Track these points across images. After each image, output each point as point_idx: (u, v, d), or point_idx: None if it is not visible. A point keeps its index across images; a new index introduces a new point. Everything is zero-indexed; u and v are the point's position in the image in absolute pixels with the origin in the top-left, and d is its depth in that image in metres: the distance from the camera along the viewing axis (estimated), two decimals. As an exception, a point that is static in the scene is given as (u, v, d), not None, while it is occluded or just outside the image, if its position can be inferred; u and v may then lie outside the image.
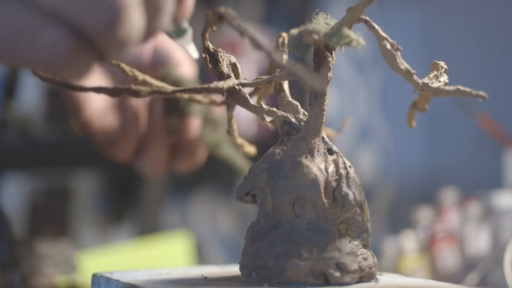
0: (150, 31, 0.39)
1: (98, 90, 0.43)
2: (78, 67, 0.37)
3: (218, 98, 0.60)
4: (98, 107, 0.70)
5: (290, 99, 0.51)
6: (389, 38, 0.46)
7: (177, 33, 0.51)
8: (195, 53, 0.53)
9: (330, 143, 0.47)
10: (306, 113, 0.49)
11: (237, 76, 0.49)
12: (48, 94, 1.70)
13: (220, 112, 0.74)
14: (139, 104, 0.71)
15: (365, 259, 0.46)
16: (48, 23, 0.35)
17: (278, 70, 0.51)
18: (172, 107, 0.70)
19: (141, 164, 0.71)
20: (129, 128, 0.69)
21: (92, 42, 0.36)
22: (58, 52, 0.35)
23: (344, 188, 0.45)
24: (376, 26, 0.46)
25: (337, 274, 0.44)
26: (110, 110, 0.71)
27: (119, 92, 0.43)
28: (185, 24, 0.51)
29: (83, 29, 0.35)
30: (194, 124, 0.70)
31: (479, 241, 1.10)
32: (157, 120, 0.69)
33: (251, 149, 0.62)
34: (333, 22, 0.45)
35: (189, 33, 0.52)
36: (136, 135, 0.69)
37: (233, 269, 0.52)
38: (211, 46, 0.49)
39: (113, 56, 0.37)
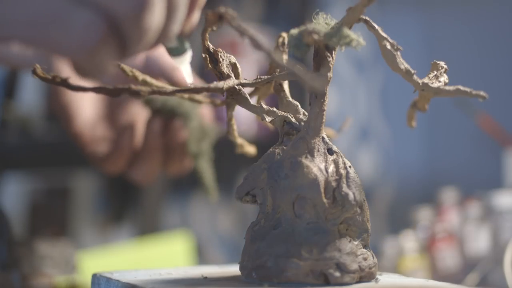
0: (165, 31, 0.40)
1: (98, 90, 0.43)
2: (106, 55, 0.37)
3: (218, 98, 0.60)
4: (89, 119, 0.70)
5: (290, 99, 0.51)
6: (389, 38, 0.46)
7: (177, 51, 0.51)
8: (190, 77, 0.53)
9: (330, 143, 0.47)
10: (306, 113, 0.49)
11: (237, 76, 0.49)
12: (48, 94, 1.70)
13: (211, 122, 0.73)
14: (133, 118, 0.71)
15: (365, 259, 0.46)
16: (80, 8, 0.35)
17: (278, 70, 0.51)
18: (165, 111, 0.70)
19: (133, 174, 0.71)
20: (123, 143, 0.69)
21: (119, 28, 0.36)
22: (90, 36, 0.36)
23: (344, 188, 0.45)
24: (376, 26, 0.46)
25: (337, 274, 0.44)
26: (102, 122, 0.71)
27: (119, 92, 0.42)
28: (187, 44, 0.51)
29: (112, 14, 0.36)
30: (184, 129, 0.70)
31: (479, 241, 1.10)
32: (154, 136, 0.69)
33: (251, 149, 0.62)
34: (333, 22, 0.45)
35: (188, 55, 0.52)
36: (129, 150, 0.69)
37: (233, 269, 0.52)
38: (211, 46, 0.49)
39: (134, 46, 0.38)
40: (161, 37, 0.40)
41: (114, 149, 0.69)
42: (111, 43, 0.37)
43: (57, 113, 0.71)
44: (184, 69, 0.53)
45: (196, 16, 0.46)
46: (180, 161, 0.72)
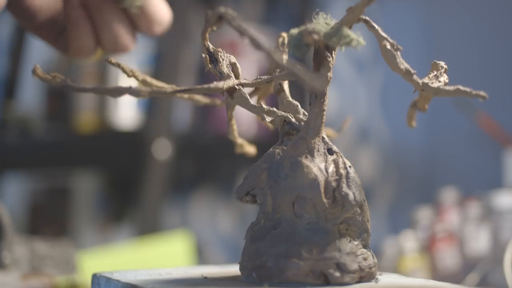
0: None
1: (98, 90, 0.43)
2: None
3: (218, 98, 0.60)
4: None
5: (290, 99, 0.51)
6: (389, 38, 0.46)
7: None
8: None
9: (330, 143, 0.47)
10: (306, 113, 0.49)
11: (237, 76, 0.49)
12: (48, 94, 1.70)
13: None
14: None
15: (365, 259, 0.46)
16: None
17: (278, 70, 0.51)
18: None
19: (105, 45, 0.63)
20: (77, 18, 0.60)
21: None
22: None
23: (344, 188, 0.45)
24: (376, 26, 0.46)
25: (337, 274, 0.44)
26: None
27: (119, 92, 0.43)
28: None
29: None
30: None
31: (479, 241, 1.10)
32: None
33: (251, 149, 0.62)
34: (333, 22, 0.45)
35: None
36: (88, 25, 0.61)
37: (233, 269, 0.52)
38: (211, 46, 0.49)
39: None
40: None
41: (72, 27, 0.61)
42: None
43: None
44: None
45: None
46: (155, 17, 0.63)
